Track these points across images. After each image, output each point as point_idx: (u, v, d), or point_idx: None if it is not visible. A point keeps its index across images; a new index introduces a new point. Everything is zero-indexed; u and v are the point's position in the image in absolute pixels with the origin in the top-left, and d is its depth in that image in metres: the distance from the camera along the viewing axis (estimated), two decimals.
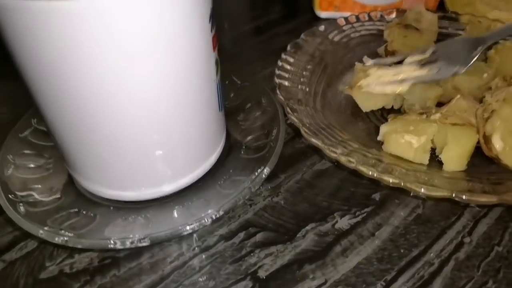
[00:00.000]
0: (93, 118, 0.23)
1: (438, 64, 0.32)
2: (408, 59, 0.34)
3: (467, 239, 0.26)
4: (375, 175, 0.26)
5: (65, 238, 0.24)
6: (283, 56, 0.37)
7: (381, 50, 0.38)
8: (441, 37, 0.41)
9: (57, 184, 0.29)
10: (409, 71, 0.33)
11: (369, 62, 0.34)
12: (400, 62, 0.34)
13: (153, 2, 0.20)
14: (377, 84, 0.33)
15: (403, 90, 0.32)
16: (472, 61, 0.31)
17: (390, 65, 0.34)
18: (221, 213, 0.25)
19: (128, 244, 0.24)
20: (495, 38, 0.33)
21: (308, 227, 0.27)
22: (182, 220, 0.25)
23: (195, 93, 0.25)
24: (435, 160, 0.29)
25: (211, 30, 0.24)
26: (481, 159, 0.29)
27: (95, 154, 0.25)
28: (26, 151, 0.31)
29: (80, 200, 0.28)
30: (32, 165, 0.30)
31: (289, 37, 0.41)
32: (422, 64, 0.33)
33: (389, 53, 0.37)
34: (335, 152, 0.27)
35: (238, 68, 0.42)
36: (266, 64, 0.42)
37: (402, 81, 0.32)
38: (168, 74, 0.23)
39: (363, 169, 0.26)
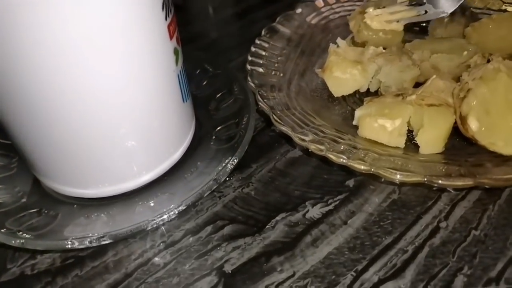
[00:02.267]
0: (49, 116, 0.22)
1: (426, 6, 0.34)
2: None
3: (443, 224, 0.25)
4: (345, 162, 0.25)
5: (22, 241, 0.23)
6: (257, 41, 0.36)
7: (348, 41, 0.37)
8: None
9: (22, 183, 0.28)
10: (402, 12, 0.35)
11: (342, 43, 0.32)
12: None
13: None
14: (377, 22, 0.35)
15: (399, 29, 0.36)
16: (457, 6, 0.33)
17: (383, 6, 0.36)
18: (183, 207, 0.24)
19: (86, 244, 0.23)
20: None
21: (278, 218, 0.26)
22: (145, 216, 0.24)
23: (153, 84, 0.24)
24: (412, 143, 0.28)
25: (166, 18, 0.23)
26: (461, 140, 0.28)
27: (53, 152, 0.24)
28: None
29: (44, 199, 0.27)
30: None
31: (268, 21, 0.39)
32: (412, 4, 0.35)
33: (358, 45, 0.36)
34: (304, 140, 0.26)
35: (214, 56, 0.41)
36: (243, 51, 0.41)
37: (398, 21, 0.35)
38: (121, 66, 0.22)
39: (332, 156, 0.25)
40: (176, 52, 0.25)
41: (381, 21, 0.36)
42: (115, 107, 0.23)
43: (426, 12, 0.35)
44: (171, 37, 0.24)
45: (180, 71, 0.26)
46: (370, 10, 0.36)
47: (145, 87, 0.24)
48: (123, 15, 0.21)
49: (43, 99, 0.21)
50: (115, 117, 0.23)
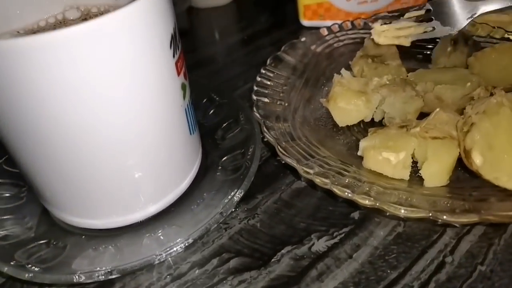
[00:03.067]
0: (58, 149, 0.23)
1: (433, 23, 0.34)
2: (406, 15, 0.36)
3: (448, 259, 0.25)
4: (350, 196, 0.25)
5: (31, 275, 0.23)
6: (262, 71, 0.36)
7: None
8: (424, 43, 0.40)
9: (31, 213, 0.29)
10: (409, 28, 0.35)
11: (346, 74, 0.33)
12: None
13: (105, 36, 0.20)
14: (384, 37, 0.35)
15: (406, 43, 0.36)
16: (465, 24, 0.33)
17: (390, 21, 0.36)
18: (191, 241, 0.25)
19: (94, 279, 0.23)
20: (490, 7, 0.33)
21: (284, 251, 0.26)
22: (152, 249, 0.25)
23: (161, 119, 0.25)
24: (417, 175, 0.28)
25: (174, 56, 0.24)
26: (465, 173, 0.28)
27: (61, 184, 0.25)
28: (0, 180, 0.30)
29: (52, 230, 0.28)
30: (6, 194, 0.30)
31: (274, 48, 0.40)
32: (420, 20, 0.35)
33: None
34: (310, 173, 0.26)
35: (219, 84, 0.42)
36: (248, 78, 0.42)
37: (406, 37, 0.35)
38: (130, 103, 0.23)
39: (337, 190, 0.25)
40: (183, 87, 0.26)
41: (388, 36, 0.36)
42: (123, 141, 0.24)
43: (433, 29, 0.35)
44: (178, 73, 0.25)
45: (187, 105, 0.27)
46: (377, 25, 0.37)
47: (153, 122, 0.24)
48: (133, 55, 0.21)
49: (52, 133, 0.22)
50: (123, 151, 0.24)
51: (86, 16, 0.27)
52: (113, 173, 0.24)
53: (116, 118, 0.23)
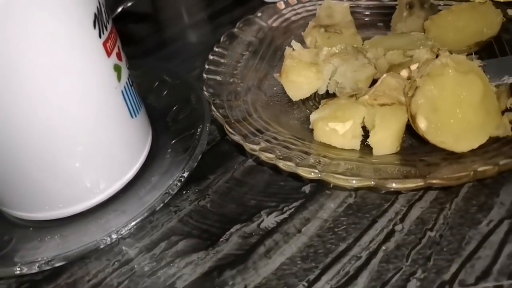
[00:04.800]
0: None
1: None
2: None
3: (398, 227, 0.24)
4: (293, 169, 0.24)
5: None
6: (215, 49, 0.35)
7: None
8: (383, 10, 0.39)
9: None
10: None
11: (297, 46, 0.32)
12: None
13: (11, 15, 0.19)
14: None
15: None
16: None
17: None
18: (133, 223, 0.24)
19: (36, 269, 0.23)
20: None
21: (232, 230, 0.25)
22: (95, 236, 0.24)
23: (94, 104, 0.24)
24: (366, 144, 0.27)
25: (100, 36, 0.23)
26: (417, 139, 0.27)
27: (2, 179, 0.24)
28: None
29: (1, 223, 0.27)
30: None
31: (233, 26, 0.39)
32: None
33: None
34: (255, 150, 0.26)
35: (177, 65, 0.41)
36: (206, 58, 0.41)
37: None
38: (58, 87, 0.22)
39: (281, 165, 0.24)
40: (117, 68, 0.25)
41: None
42: (58, 129, 0.23)
43: None
44: (109, 54, 0.24)
45: (125, 87, 0.26)
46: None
47: (86, 107, 0.24)
48: (48, 35, 0.20)
49: None
50: (60, 140, 0.23)
51: None
52: (50, 164, 0.24)
53: (47, 106, 0.22)
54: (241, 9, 0.49)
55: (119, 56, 0.25)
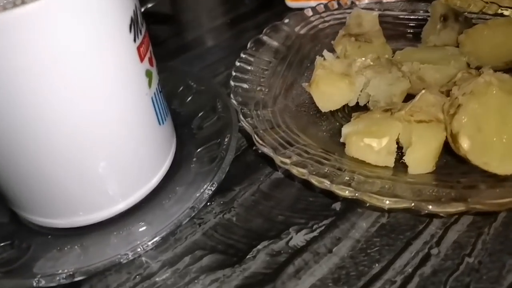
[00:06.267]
0: (18, 146, 0.21)
1: None
2: None
3: (434, 250, 0.23)
4: (328, 187, 0.23)
5: None
6: (242, 55, 0.34)
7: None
8: (414, 22, 0.38)
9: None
10: None
11: (328, 56, 0.31)
12: None
13: (48, 19, 0.18)
14: None
15: None
16: None
17: None
18: (158, 239, 0.23)
19: (56, 282, 0.22)
20: None
21: (260, 246, 0.24)
22: (118, 249, 0.23)
23: (124, 109, 0.23)
24: (401, 162, 0.26)
25: (135, 40, 0.22)
26: (454, 158, 0.26)
27: (23, 183, 0.23)
28: None
29: (18, 230, 0.26)
30: None
31: (258, 32, 0.38)
32: None
33: None
34: (286, 163, 0.25)
35: (200, 70, 0.40)
36: (230, 64, 0.40)
37: None
38: (89, 92, 0.21)
39: (315, 181, 0.23)
40: (148, 74, 0.24)
41: None
42: (86, 134, 0.22)
43: None
44: (141, 59, 0.23)
45: (154, 93, 0.25)
46: None
47: (115, 112, 0.23)
48: (86, 39, 0.20)
49: (7, 131, 0.20)
50: (86, 145, 0.22)
51: None
52: (75, 169, 0.23)
53: (76, 109, 0.21)
54: (264, 14, 0.48)
55: (151, 62, 0.24)
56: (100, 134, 0.23)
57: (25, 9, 0.17)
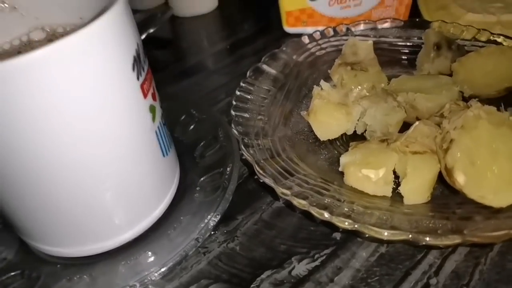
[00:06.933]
0: (26, 179, 0.22)
1: None
2: None
3: (433, 280, 0.24)
4: (328, 218, 0.24)
5: None
6: (242, 84, 0.35)
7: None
8: (409, 48, 0.39)
9: (7, 242, 0.28)
10: None
11: (325, 86, 0.32)
12: None
13: (56, 63, 0.19)
14: None
15: None
16: None
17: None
18: (165, 270, 0.24)
19: None
20: None
21: (263, 276, 0.25)
22: (127, 279, 0.24)
23: (130, 145, 0.24)
24: (397, 192, 0.27)
25: (138, 78, 0.23)
26: (448, 187, 0.27)
27: (31, 213, 0.24)
28: None
29: (27, 259, 0.27)
30: None
31: (257, 57, 0.39)
32: None
33: None
34: (287, 194, 0.25)
35: (200, 97, 0.41)
36: (230, 90, 0.41)
37: None
38: (95, 130, 0.22)
39: (315, 213, 0.24)
40: (152, 109, 0.25)
41: None
42: (91, 168, 0.23)
43: None
44: (145, 96, 0.24)
45: (158, 127, 0.26)
46: None
47: (121, 148, 0.23)
48: (90, 80, 0.20)
49: (15, 164, 0.21)
50: (92, 178, 0.23)
51: (51, 37, 0.26)
52: (84, 201, 0.24)
53: (82, 144, 0.22)
54: (263, 39, 0.50)
55: (154, 97, 0.25)
56: (106, 168, 0.23)
57: (32, 57, 0.18)
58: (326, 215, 0.24)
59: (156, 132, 0.25)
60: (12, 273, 0.26)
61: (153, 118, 0.25)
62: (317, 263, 0.25)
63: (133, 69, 0.22)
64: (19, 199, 0.23)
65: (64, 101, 0.20)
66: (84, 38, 0.19)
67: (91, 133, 0.22)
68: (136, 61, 0.23)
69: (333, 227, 0.26)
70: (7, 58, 0.18)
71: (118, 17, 0.21)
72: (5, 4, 0.26)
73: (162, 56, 0.49)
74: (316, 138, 0.33)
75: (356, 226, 0.23)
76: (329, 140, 0.32)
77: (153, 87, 0.26)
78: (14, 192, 0.23)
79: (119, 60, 0.22)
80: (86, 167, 0.23)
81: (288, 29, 0.47)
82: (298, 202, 0.25)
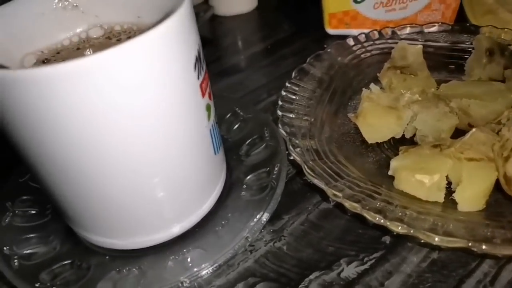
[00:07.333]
0: (82, 171, 0.22)
1: None
2: None
3: None
4: (382, 222, 0.24)
5: None
6: (288, 84, 0.35)
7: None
8: (456, 53, 0.39)
9: (56, 231, 0.28)
10: None
11: (375, 89, 0.32)
12: None
13: (126, 63, 0.19)
14: None
15: None
16: None
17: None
18: (216, 267, 0.24)
19: None
20: None
21: (312, 276, 0.25)
22: (177, 274, 0.24)
23: (186, 142, 0.24)
24: (450, 198, 0.26)
25: (198, 78, 0.23)
26: (503, 195, 0.26)
27: (84, 204, 0.24)
28: (25, 197, 0.30)
29: (76, 249, 0.27)
30: (31, 212, 0.30)
31: (297, 58, 0.39)
32: None
33: None
34: (339, 196, 0.25)
35: (243, 97, 0.41)
36: (272, 90, 0.41)
37: None
38: (154, 127, 0.22)
39: (368, 216, 0.24)
40: (208, 108, 0.25)
41: None
42: (147, 163, 0.23)
43: None
44: (203, 95, 0.24)
45: (212, 125, 0.26)
46: None
47: (177, 145, 0.24)
48: (156, 80, 0.21)
49: (75, 158, 0.21)
50: (147, 172, 0.23)
51: (109, 35, 0.27)
52: (136, 193, 0.24)
53: (140, 141, 0.22)
54: (302, 40, 0.50)
55: (210, 96, 0.25)
56: (163, 164, 0.23)
57: (109, 54, 0.18)
58: (381, 220, 0.24)
59: (210, 130, 0.26)
60: (64, 262, 0.26)
61: (209, 117, 0.25)
62: (366, 266, 0.25)
63: (195, 69, 0.23)
64: (75, 191, 0.24)
65: (132, 100, 0.20)
66: (153, 39, 0.19)
67: (153, 131, 0.22)
68: (198, 61, 0.23)
69: (383, 230, 0.26)
70: (81, 56, 0.18)
71: (184, 18, 0.21)
72: (67, 2, 0.27)
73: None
74: (363, 141, 0.32)
75: (412, 231, 0.23)
76: (376, 142, 0.32)
77: (209, 86, 0.26)
78: (71, 184, 0.23)
79: (183, 60, 0.22)
80: (143, 163, 0.23)
81: (330, 30, 0.47)
82: (351, 205, 0.25)
